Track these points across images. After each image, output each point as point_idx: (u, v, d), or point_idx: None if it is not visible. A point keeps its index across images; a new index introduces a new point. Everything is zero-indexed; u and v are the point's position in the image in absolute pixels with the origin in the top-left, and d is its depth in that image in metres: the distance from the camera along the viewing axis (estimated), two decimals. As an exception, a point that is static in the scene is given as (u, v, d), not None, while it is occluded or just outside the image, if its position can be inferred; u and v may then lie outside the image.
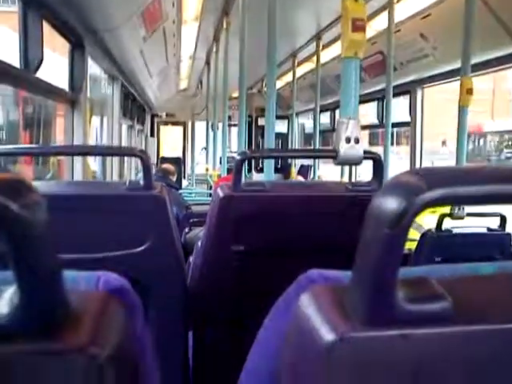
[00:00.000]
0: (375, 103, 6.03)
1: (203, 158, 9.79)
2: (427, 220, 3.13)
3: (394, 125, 4.99)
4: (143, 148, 9.03)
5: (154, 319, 1.56)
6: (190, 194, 7.65)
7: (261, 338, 0.63)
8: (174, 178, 5.38)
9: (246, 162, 1.63)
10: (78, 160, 3.65)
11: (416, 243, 2.82)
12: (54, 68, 3.60)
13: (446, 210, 3.01)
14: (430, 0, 3.87)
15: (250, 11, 4.05)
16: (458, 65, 3.37)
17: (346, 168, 6.72)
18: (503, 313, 0.51)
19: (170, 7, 4.37)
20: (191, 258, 2.40)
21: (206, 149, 9.23)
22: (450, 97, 5.07)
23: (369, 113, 6.41)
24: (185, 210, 4.55)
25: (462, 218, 3.01)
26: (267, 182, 1.67)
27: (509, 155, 18.65)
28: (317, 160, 6.71)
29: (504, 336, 0.49)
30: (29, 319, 0.45)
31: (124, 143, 7.00)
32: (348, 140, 1.70)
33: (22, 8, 2.61)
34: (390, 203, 0.46)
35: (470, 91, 3.11)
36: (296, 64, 7.18)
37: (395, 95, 4.31)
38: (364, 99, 5.54)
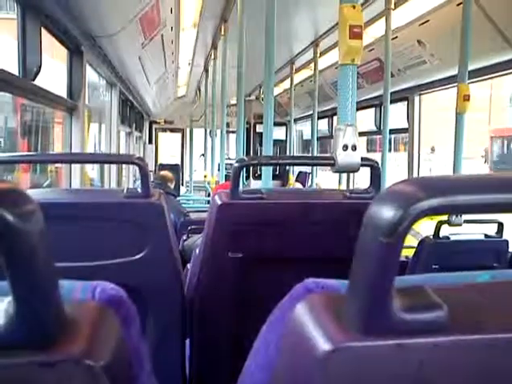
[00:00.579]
0: (372, 110, 6.04)
1: (201, 164, 9.80)
2: (425, 227, 3.13)
3: (392, 131, 5.00)
4: (141, 155, 9.04)
5: (151, 327, 1.56)
6: (188, 201, 7.65)
7: (257, 347, 0.63)
8: (172, 185, 5.37)
9: (244, 169, 1.62)
10: (75, 168, 3.65)
11: (413, 250, 2.82)
12: (54, 75, 3.61)
13: (444, 216, 3.01)
14: (427, 6, 3.89)
15: (249, 18, 4.06)
16: (455, 71, 3.38)
17: (344, 175, 6.73)
18: (499, 322, 0.50)
19: (168, 14, 4.38)
20: (189, 266, 2.40)
21: (204, 155, 9.24)
22: (438, 105, 5.11)
23: (366, 119, 6.42)
24: (183, 217, 4.54)
25: (459, 224, 3.01)
26: (265, 189, 1.67)
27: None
28: (315, 167, 6.72)
29: (500, 345, 0.48)
30: (24, 330, 0.45)
31: (122, 150, 7.00)
32: (345, 147, 1.70)
33: (21, 15, 2.62)
34: (386, 212, 0.46)
35: (467, 97, 3.11)
36: (294, 71, 7.20)
37: (393, 102, 4.32)
38: (362, 106, 5.56)
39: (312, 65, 6.35)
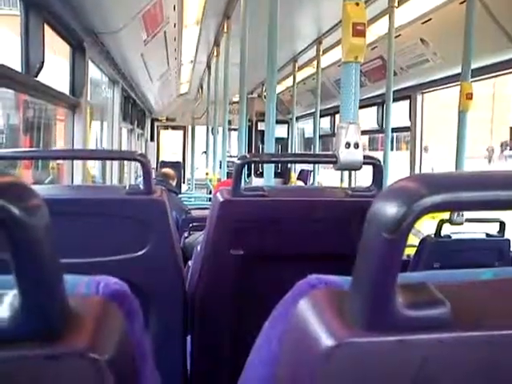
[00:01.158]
0: (374, 108, 6.04)
1: (203, 162, 9.80)
2: (426, 226, 3.13)
3: (394, 130, 5.00)
4: (143, 152, 9.03)
5: (152, 323, 1.56)
6: (190, 198, 7.65)
7: (259, 342, 0.63)
8: (174, 183, 5.38)
9: (246, 167, 1.63)
10: (77, 165, 3.65)
11: (415, 249, 2.82)
12: (56, 72, 3.61)
13: (446, 215, 3.01)
14: (430, 5, 3.88)
15: (251, 15, 4.06)
16: (457, 70, 3.38)
17: (346, 173, 6.73)
18: (502, 319, 0.50)
19: (171, 11, 4.38)
20: (190, 263, 2.40)
21: (205, 153, 9.25)
22: (432, 104, 5.10)
23: (367, 118, 6.41)
24: (184, 214, 4.55)
25: (461, 223, 3.01)
26: (267, 186, 1.67)
27: None
28: (316, 165, 6.71)
29: (503, 342, 0.48)
30: (29, 323, 0.45)
31: (124, 147, 7.01)
32: (348, 145, 1.70)
33: (24, 11, 2.62)
34: (390, 208, 0.46)
35: (470, 96, 3.11)
36: (296, 68, 7.19)
37: (395, 100, 4.31)
38: (364, 104, 5.55)
39: (315, 63, 6.34)
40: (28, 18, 2.64)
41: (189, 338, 1.75)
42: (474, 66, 3.21)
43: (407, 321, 0.48)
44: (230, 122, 6.90)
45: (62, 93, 3.37)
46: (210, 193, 7.70)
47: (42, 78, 2.80)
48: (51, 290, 0.46)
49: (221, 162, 6.44)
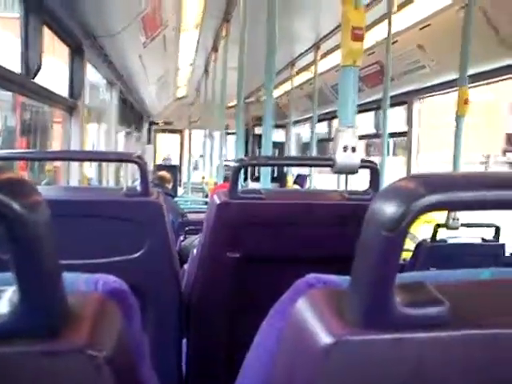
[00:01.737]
0: (371, 113, 6.05)
1: (199, 165, 9.80)
2: (422, 230, 3.14)
3: (391, 135, 5.01)
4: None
5: (148, 325, 1.55)
6: (186, 201, 7.65)
7: (257, 341, 0.63)
8: (170, 186, 5.38)
9: (242, 171, 1.63)
10: (74, 167, 3.65)
11: (411, 253, 2.83)
12: (54, 74, 3.61)
13: (441, 220, 3.02)
14: (428, 11, 3.90)
15: (250, 19, 4.07)
16: (454, 76, 3.39)
17: (342, 179, 6.73)
18: (500, 318, 0.51)
19: (171, 14, 4.39)
20: (186, 266, 2.40)
21: (202, 157, 9.25)
22: (422, 111, 5.12)
23: (364, 123, 6.43)
24: (180, 217, 4.54)
25: (456, 228, 3.02)
26: (264, 189, 1.67)
27: None
28: (313, 170, 6.72)
29: (500, 341, 0.49)
30: (28, 319, 0.45)
31: (121, 150, 7.00)
32: (345, 148, 1.71)
33: (24, 13, 2.62)
34: (389, 207, 0.46)
35: (466, 101, 3.13)
36: (294, 73, 7.21)
37: (392, 105, 4.33)
38: (361, 109, 5.57)
39: (312, 68, 6.35)
40: (28, 21, 2.64)
41: (184, 340, 1.75)
42: (470, 72, 3.23)
43: (405, 319, 0.48)
44: (226, 127, 6.91)
45: (60, 95, 3.37)
46: (206, 196, 7.70)
47: (39, 79, 2.81)
48: (50, 287, 0.47)
49: (217, 165, 6.45)
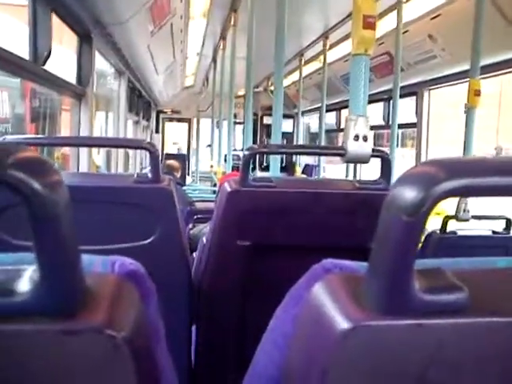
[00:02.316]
0: (379, 104, 6.02)
1: (207, 155, 9.80)
2: (431, 222, 3.12)
3: (400, 126, 4.99)
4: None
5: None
6: (194, 190, 7.67)
7: (272, 327, 0.63)
8: (178, 175, 5.38)
9: (251, 160, 1.62)
10: (83, 154, 3.65)
11: (420, 244, 2.81)
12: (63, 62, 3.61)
13: (451, 211, 3.00)
14: (439, 0, 3.86)
15: (259, 8, 4.04)
16: (465, 67, 3.36)
17: (351, 169, 6.72)
18: None
19: (178, 2, 4.37)
20: (195, 254, 2.40)
21: (210, 146, 9.25)
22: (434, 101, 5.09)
23: (374, 114, 6.40)
24: (188, 206, 4.55)
25: (467, 220, 3.00)
26: (275, 177, 1.67)
27: None
28: (321, 160, 6.71)
29: None
30: (48, 298, 0.46)
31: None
32: (356, 137, 1.70)
33: (32, 0, 2.62)
34: (410, 191, 0.46)
35: (477, 92, 3.10)
36: (303, 63, 7.18)
37: (402, 96, 4.30)
38: (370, 100, 5.53)
39: (321, 57, 6.32)
40: (36, 7, 2.64)
41: (194, 327, 1.75)
42: (482, 63, 3.20)
43: (424, 305, 0.48)
44: (235, 116, 6.90)
45: (69, 82, 3.37)
46: (215, 185, 7.71)
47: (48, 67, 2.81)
48: (70, 266, 0.47)
49: (225, 155, 6.45)
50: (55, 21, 2.90)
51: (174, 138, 12.73)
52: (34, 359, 0.45)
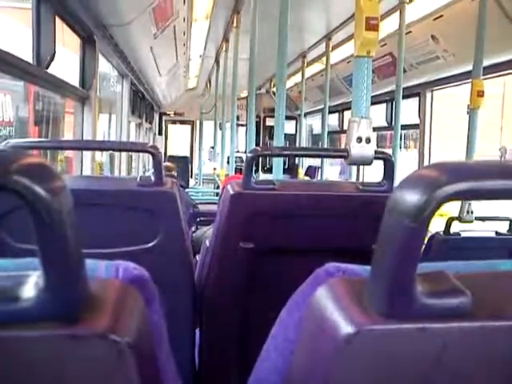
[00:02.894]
0: (381, 105, 6.01)
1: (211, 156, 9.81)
2: (435, 223, 3.11)
3: (403, 127, 4.98)
4: (152, 146, 9.04)
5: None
6: (197, 193, 7.66)
7: (275, 330, 0.63)
8: (175, 174, 5.37)
9: (254, 162, 1.63)
10: (86, 157, 3.66)
11: (424, 246, 2.80)
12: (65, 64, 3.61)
13: (455, 213, 3.00)
14: (442, 1, 3.85)
15: (261, 10, 4.05)
16: (468, 67, 3.36)
17: (354, 170, 6.71)
18: None
19: (181, 5, 4.38)
20: (198, 257, 2.40)
21: (213, 148, 9.25)
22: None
23: (376, 115, 6.39)
24: (192, 208, 4.56)
25: (470, 221, 3.00)
26: (277, 180, 1.67)
27: None
28: (324, 161, 6.71)
29: None
30: (53, 304, 0.46)
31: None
32: (359, 139, 1.69)
33: (36, 3, 2.62)
34: (412, 196, 0.45)
35: (481, 94, 3.09)
36: (305, 64, 7.18)
37: (404, 97, 4.30)
38: (373, 101, 5.53)
39: (324, 59, 6.32)
40: (39, 11, 2.64)
41: (197, 330, 1.75)
42: (485, 63, 3.19)
43: (427, 309, 0.47)
44: (238, 118, 6.90)
45: (72, 85, 3.38)
46: (218, 188, 7.71)
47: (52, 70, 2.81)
48: (74, 272, 0.47)
49: (228, 157, 6.45)
50: (58, 22, 2.90)
51: (176, 140, 12.73)
52: (39, 365, 0.45)
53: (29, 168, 0.43)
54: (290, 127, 10.06)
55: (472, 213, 2.94)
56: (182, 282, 1.62)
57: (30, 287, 0.46)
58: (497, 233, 2.80)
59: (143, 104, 7.95)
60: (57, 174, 0.45)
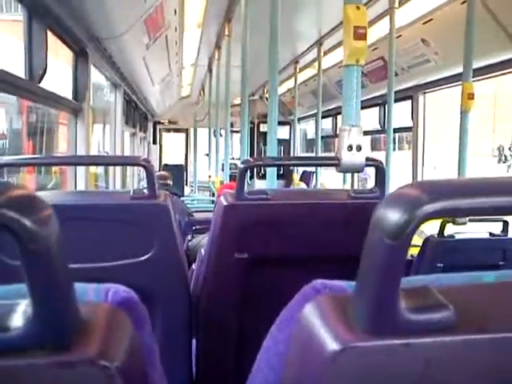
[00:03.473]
0: (376, 109, 6.04)
1: (205, 164, 9.81)
2: (429, 225, 3.13)
3: (396, 130, 5.00)
4: (146, 155, 9.06)
5: (157, 327, 1.57)
6: (193, 201, 7.67)
7: (267, 346, 0.64)
8: (171, 183, 5.37)
9: (246, 172, 1.64)
10: (80, 169, 3.67)
11: (418, 249, 2.82)
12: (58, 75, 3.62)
13: (449, 215, 3.00)
14: (431, 5, 3.88)
15: (252, 18, 4.07)
16: (459, 70, 3.38)
17: (348, 174, 6.73)
18: (505, 321, 0.51)
19: (173, 15, 4.39)
20: (194, 265, 2.41)
21: (208, 155, 9.26)
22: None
23: (369, 119, 6.41)
24: (187, 216, 4.56)
25: (464, 223, 3.01)
26: (270, 190, 1.68)
27: None
28: (318, 167, 6.72)
29: (506, 345, 0.49)
30: (42, 332, 0.46)
31: (127, 151, 7.02)
32: (350, 148, 1.71)
33: (27, 17, 2.63)
34: (392, 215, 0.47)
35: (471, 96, 3.12)
36: (298, 70, 7.20)
37: (397, 100, 4.32)
38: (365, 105, 5.56)
39: (316, 64, 6.35)
40: (31, 25, 2.65)
41: (194, 340, 1.76)
42: (475, 65, 3.22)
43: (411, 324, 0.48)
44: (231, 124, 6.92)
45: (65, 98, 3.39)
46: (213, 195, 7.71)
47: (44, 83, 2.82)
48: (63, 299, 0.47)
49: (223, 164, 6.46)
50: (50, 34, 2.91)
51: (171, 148, 12.73)
52: None
53: (14, 200, 0.43)
54: (283, 132, 10.08)
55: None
56: (177, 294, 1.63)
57: (19, 316, 0.46)
58: (491, 234, 2.81)
59: (137, 113, 7.95)
60: (42, 202, 0.46)
